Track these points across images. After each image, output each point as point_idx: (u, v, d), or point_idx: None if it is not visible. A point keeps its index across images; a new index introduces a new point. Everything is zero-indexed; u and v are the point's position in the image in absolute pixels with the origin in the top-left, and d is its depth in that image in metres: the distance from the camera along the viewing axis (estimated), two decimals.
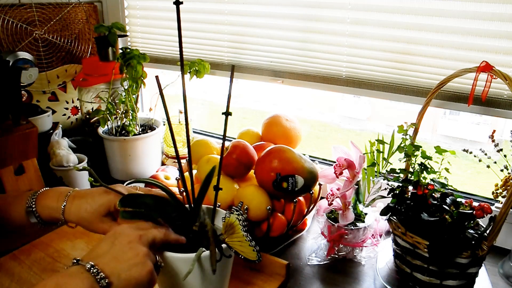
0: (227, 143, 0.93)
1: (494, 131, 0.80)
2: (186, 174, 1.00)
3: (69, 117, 1.36)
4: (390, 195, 0.79)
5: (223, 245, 0.60)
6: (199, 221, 0.63)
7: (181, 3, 0.58)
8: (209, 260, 0.58)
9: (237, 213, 0.59)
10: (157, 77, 0.61)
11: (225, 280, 0.66)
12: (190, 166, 0.71)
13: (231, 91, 0.61)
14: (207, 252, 0.58)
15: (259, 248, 0.58)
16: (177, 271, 0.59)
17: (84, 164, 1.09)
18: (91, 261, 0.50)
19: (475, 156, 0.83)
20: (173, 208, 0.64)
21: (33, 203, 0.66)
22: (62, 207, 0.66)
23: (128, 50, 1.06)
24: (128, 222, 0.60)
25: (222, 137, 0.64)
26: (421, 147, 0.76)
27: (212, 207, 0.68)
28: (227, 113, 0.62)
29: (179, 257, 0.58)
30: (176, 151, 0.65)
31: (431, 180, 0.75)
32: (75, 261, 0.50)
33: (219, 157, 0.91)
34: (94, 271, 0.49)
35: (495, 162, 0.82)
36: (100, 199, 0.66)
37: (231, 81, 0.61)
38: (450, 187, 0.75)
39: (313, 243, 0.92)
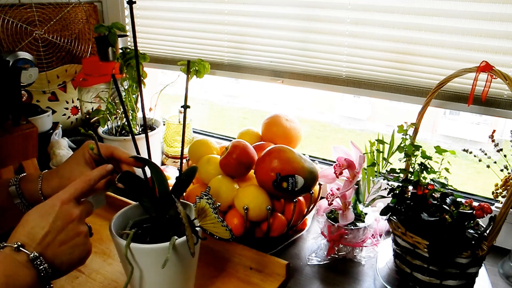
0: (227, 143, 0.93)
1: (494, 131, 0.80)
2: None
3: (69, 117, 1.36)
4: (390, 195, 0.79)
5: (198, 228, 0.64)
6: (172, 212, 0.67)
7: (134, 2, 0.61)
8: (183, 246, 0.61)
9: (206, 197, 0.62)
10: None
11: (195, 264, 0.69)
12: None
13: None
14: (180, 239, 0.60)
15: (231, 228, 0.62)
16: (152, 262, 0.61)
17: None
18: (35, 251, 0.51)
19: (475, 156, 0.83)
20: (151, 196, 0.67)
21: (17, 182, 0.68)
22: (39, 176, 0.68)
23: (128, 50, 1.06)
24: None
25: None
26: (421, 147, 0.76)
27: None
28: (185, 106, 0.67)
29: (154, 247, 0.60)
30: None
31: (431, 180, 0.75)
32: (17, 245, 0.50)
33: (219, 157, 0.92)
34: (38, 262, 0.50)
35: (495, 162, 0.82)
36: (73, 156, 0.69)
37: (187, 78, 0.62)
38: (450, 187, 0.75)
39: (313, 243, 0.92)
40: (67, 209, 0.55)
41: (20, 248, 0.50)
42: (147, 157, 0.68)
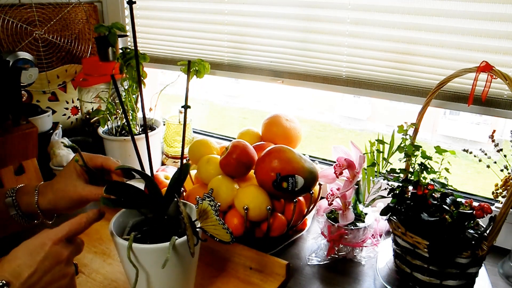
0: (227, 143, 0.93)
1: (494, 131, 0.80)
2: None
3: (69, 117, 1.36)
4: (390, 195, 0.79)
5: (198, 230, 0.64)
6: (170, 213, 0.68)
7: (134, 2, 0.61)
8: (183, 246, 0.61)
9: (208, 199, 0.62)
10: None
11: (195, 264, 0.70)
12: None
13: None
14: (181, 239, 0.61)
15: (232, 231, 0.62)
16: (153, 262, 0.61)
17: None
18: None
19: (475, 156, 0.83)
20: (145, 201, 0.67)
21: (13, 194, 0.67)
22: (35, 190, 0.68)
23: (128, 50, 1.06)
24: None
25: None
26: (421, 147, 0.76)
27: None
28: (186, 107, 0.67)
29: (154, 247, 0.60)
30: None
31: (431, 180, 0.75)
32: (1, 284, 0.49)
33: (219, 157, 0.92)
34: None
35: (495, 162, 0.82)
36: (65, 169, 0.68)
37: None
38: (450, 187, 0.75)
39: (313, 243, 0.92)
40: (56, 250, 0.54)
41: (5, 287, 0.49)
42: (145, 159, 0.68)
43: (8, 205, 0.67)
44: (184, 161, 1.04)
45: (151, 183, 0.67)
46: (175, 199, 0.70)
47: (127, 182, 0.68)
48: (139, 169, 0.68)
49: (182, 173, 0.69)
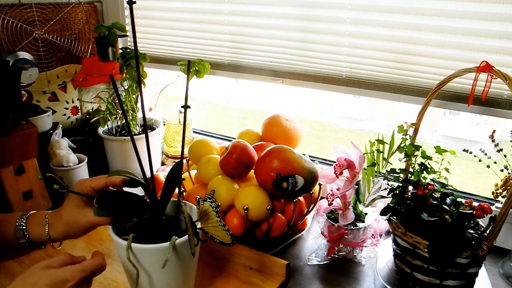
0: (227, 143, 0.93)
1: (494, 131, 0.80)
2: (186, 174, 1.00)
3: (69, 117, 1.36)
4: (390, 195, 0.79)
5: (198, 230, 0.64)
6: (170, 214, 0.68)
7: (134, 2, 0.60)
8: (183, 247, 0.61)
9: (210, 200, 0.62)
10: None
11: (195, 264, 0.70)
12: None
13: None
14: (181, 239, 0.61)
15: (232, 232, 0.62)
16: (153, 262, 0.61)
17: (84, 164, 1.09)
18: None
19: (475, 156, 0.83)
20: (140, 203, 0.67)
21: (24, 223, 0.67)
22: (45, 219, 0.67)
23: (128, 50, 1.06)
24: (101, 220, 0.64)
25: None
26: (421, 147, 0.76)
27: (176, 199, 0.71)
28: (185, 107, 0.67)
29: (154, 247, 0.60)
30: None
31: (431, 180, 0.75)
32: None
33: (219, 157, 0.92)
34: None
35: (495, 162, 0.82)
36: (70, 199, 0.67)
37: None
38: (450, 187, 0.75)
39: (313, 243, 0.92)
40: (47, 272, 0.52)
41: None
42: (145, 159, 0.67)
43: (18, 234, 0.66)
44: (184, 161, 1.04)
45: (144, 187, 0.66)
46: (177, 199, 0.70)
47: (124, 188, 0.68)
48: (139, 169, 0.68)
49: (175, 174, 0.69)
